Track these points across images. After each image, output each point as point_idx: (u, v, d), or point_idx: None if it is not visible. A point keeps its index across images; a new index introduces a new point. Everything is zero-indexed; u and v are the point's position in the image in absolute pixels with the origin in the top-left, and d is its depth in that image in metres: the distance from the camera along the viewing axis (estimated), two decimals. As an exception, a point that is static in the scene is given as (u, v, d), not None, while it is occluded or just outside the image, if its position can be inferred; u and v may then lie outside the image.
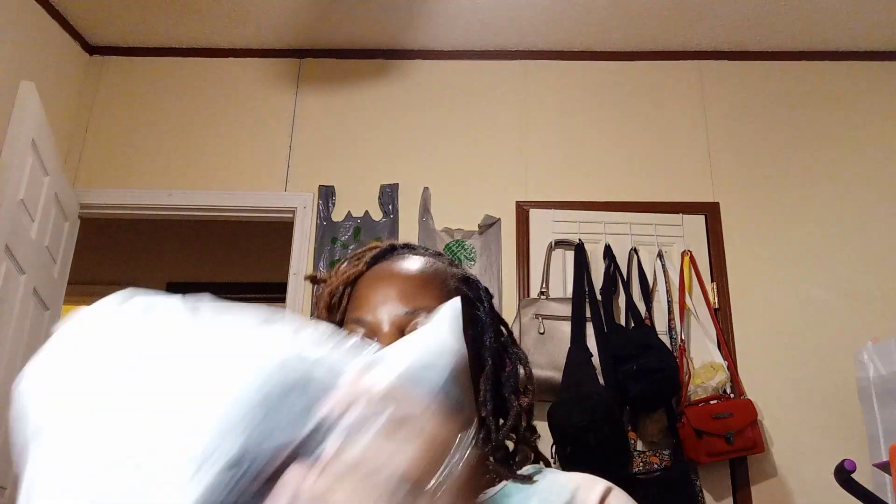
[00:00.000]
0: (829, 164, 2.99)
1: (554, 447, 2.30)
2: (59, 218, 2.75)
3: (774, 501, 2.55)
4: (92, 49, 3.19)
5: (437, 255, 0.83)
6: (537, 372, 2.44)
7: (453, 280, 0.79)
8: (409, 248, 0.82)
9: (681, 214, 2.89)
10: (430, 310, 0.72)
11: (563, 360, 2.45)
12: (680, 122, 3.06)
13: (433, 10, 2.93)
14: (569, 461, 2.24)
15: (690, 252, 2.80)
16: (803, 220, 2.91)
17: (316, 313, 0.80)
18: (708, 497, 2.52)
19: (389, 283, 0.76)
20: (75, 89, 3.10)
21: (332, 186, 2.96)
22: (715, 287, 2.79)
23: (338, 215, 2.92)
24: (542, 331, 2.52)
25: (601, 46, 3.13)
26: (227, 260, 4.21)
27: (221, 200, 2.98)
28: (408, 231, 2.88)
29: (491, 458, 0.73)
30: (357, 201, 2.94)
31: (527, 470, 0.74)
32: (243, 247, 4.18)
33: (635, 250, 2.79)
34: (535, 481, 0.71)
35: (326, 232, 2.89)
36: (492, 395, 0.76)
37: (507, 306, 2.76)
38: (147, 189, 2.98)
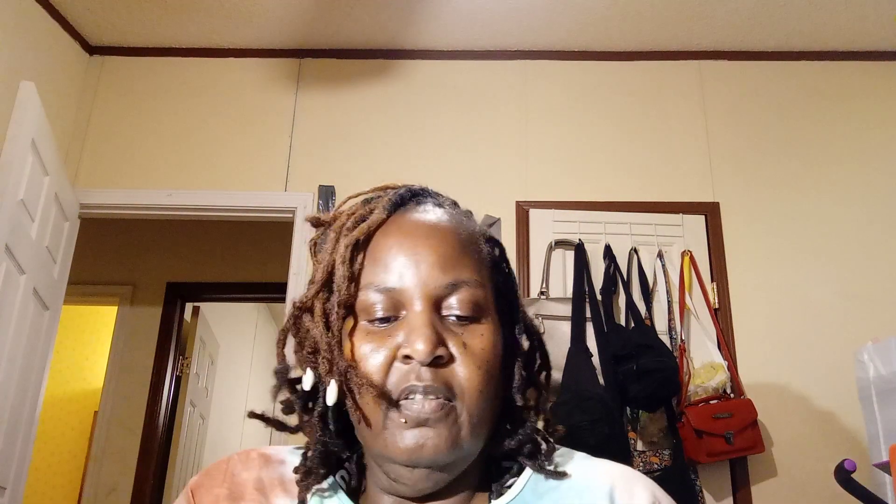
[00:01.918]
0: (829, 163, 2.99)
1: (554, 447, 2.30)
2: (59, 218, 2.75)
3: (774, 501, 2.55)
4: (92, 49, 3.19)
5: (456, 205, 0.73)
6: (537, 372, 2.44)
7: (483, 242, 0.69)
8: (431, 196, 0.71)
9: (681, 214, 2.89)
10: (470, 284, 0.63)
11: (563, 360, 2.44)
12: (680, 122, 3.06)
13: (433, 10, 2.93)
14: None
15: (690, 252, 2.80)
16: (803, 221, 2.91)
17: (315, 270, 0.66)
18: (708, 497, 2.52)
19: (423, 242, 0.63)
20: (75, 89, 3.10)
21: (332, 186, 2.96)
22: (715, 287, 2.79)
23: (338, 215, 2.92)
24: (542, 331, 2.52)
25: (601, 46, 3.13)
26: (227, 260, 4.21)
27: (221, 200, 2.98)
28: (408, 231, 2.88)
29: (520, 449, 0.66)
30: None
31: (555, 461, 0.66)
32: (243, 247, 4.18)
33: (635, 250, 2.79)
34: (567, 475, 0.64)
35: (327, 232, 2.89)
36: (528, 379, 0.68)
37: (507, 306, 2.75)
38: (147, 189, 2.98)
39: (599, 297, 2.62)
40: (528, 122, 3.06)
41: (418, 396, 0.59)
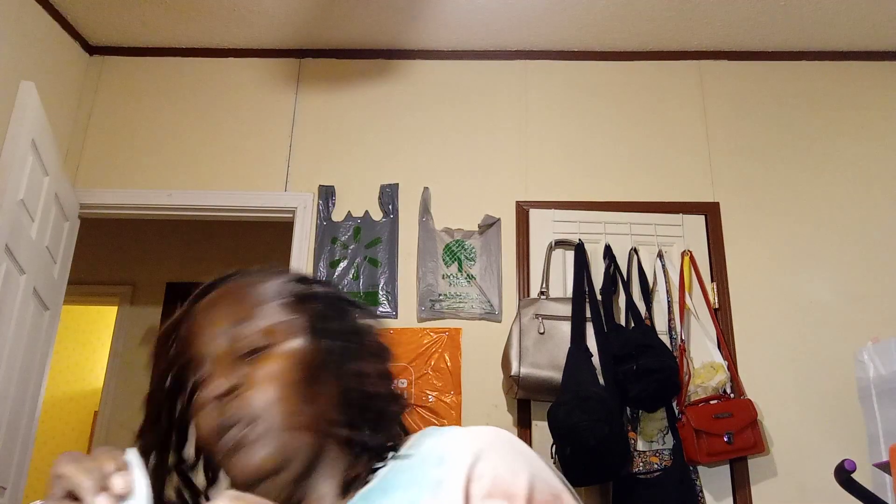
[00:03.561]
0: (829, 163, 2.99)
1: (554, 447, 2.30)
2: (59, 218, 2.75)
3: (774, 501, 2.55)
4: (92, 49, 3.19)
5: (260, 269, 0.81)
6: (537, 372, 2.44)
7: (279, 282, 0.78)
8: (229, 277, 0.81)
9: (681, 214, 2.89)
10: (252, 317, 0.73)
11: (563, 360, 2.45)
12: (680, 122, 3.06)
13: (433, 10, 2.93)
14: (569, 461, 2.24)
15: (690, 252, 2.80)
16: (803, 220, 2.91)
17: (151, 367, 0.78)
18: (708, 497, 2.52)
19: (209, 309, 0.75)
20: (75, 89, 3.10)
21: (332, 186, 2.96)
22: (715, 287, 2.79)
23: (338, 215, 2.92)
24: (542, 331, 2.52)
25: (601, 46, 3.13)
26: (227, 260, 4.20)
27: (221, 200, 2.98)
28: (408, 231, 2.88)
29: (355, 434, 0.72)
30: (357, 201, 2.94)
31: (413, 439, 0.72)
32: (243, 247, 4.18)
33: (635, 250, 2.79)
34: (411, 455, 0.69)
35: (326, 232, 2.89)
36: (347, 374, 0.74)
37: (507, 306, 2.76)
38: (147, 189, 2.98)
39: (599, 297, 2.62)
40: (528, 122, 3.06)
41: (227, 428, 0.69)
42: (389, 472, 0.69)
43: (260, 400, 0.69)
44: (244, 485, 0.69)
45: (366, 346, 0.78)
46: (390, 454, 0.71)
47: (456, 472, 0.63)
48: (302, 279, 0.80)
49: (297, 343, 0.73)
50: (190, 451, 0.77)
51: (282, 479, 0.69)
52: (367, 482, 0.69)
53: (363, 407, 0.74)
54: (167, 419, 0.76)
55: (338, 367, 0.74)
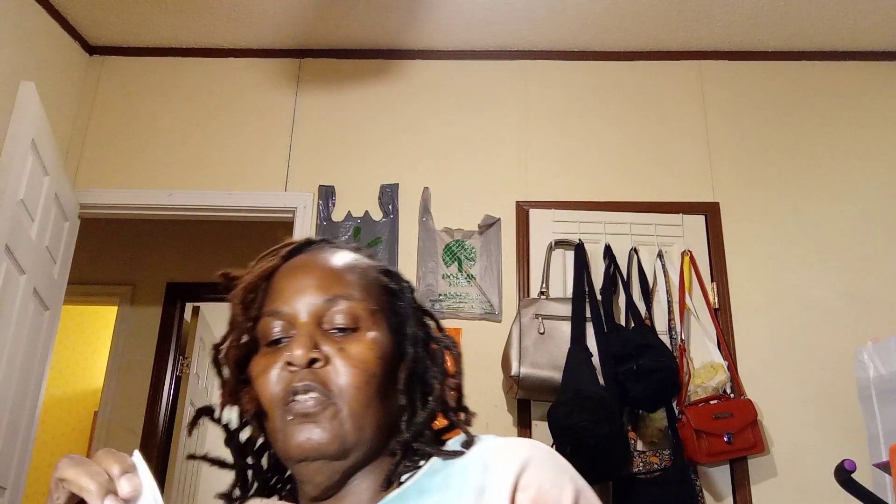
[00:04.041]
0: (829, 163, 2.99)
1: (554, 447, 2.30)
2: (59, 218, 2.75)
3: (774, 501, 2.55)
4: (92, 49, 3.19)
5: (356, 248, 0.83)
6: (537, 372, 2.44)
7: (373, 270, 0.79)
8: (327, 242, 0.82)
9: (681, 214, 2.89)
10: (348, 297, 0.73)
11: (563, 360, 2.44)
12: (680, 122, 3.06)
13: (433, 10, 2.93)
14: (569, 461, 2.24)
15: (690, 252, 2.80)
16: (803, 220, 2.90)
17: (230, 311, 0.78)
18: (708, 497, 2.52)
19: (306, 273, 0.75)
20: (75, 89, 3.10)
21: (332, 186, 2.96)
22: (715, 287, 2.79)
23: (338, 215, 2.92)
24: (542, 331, 2.52)
25: (601, 46, 3.13)
26: (227, 260, 4.20)
27: (221, 200, 2.98)
28: (408, 231, 2.88)
29: (414, 441, 0.72)
30: (357, 201, 2.94)
31: (451, 445, 0.72)
32: (243, 247, 4.17)
33: (635, 250, 2.79)
34: (461, 453, 0.69)
35: (326, 232, 2.89)
36: (416, 380, 0.75)
37: (507, 306, 2.75)
38: (147, 189, 2.98)
39: (599, 297, 2.62)
40: (528, 122, 3.06)
41: (299, 395, 0.68)
42: (425, 474, 0.69)
43: (340, 378, 0.69)
44: (294, 459, 0.69)
45: (437, 360, 0.78)
46: (429, 457, 0.71)
47: (502, 480, 0.63)
48: (388, 272, 0.80)
49: (378, 336, 0.73)
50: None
51: (332, 467, 0.69)
52: (402, 482, 0.70)
53: (426, 417, 0.74)
54: (238, 368, 0.75)
55: (410, 374, 0.75)
